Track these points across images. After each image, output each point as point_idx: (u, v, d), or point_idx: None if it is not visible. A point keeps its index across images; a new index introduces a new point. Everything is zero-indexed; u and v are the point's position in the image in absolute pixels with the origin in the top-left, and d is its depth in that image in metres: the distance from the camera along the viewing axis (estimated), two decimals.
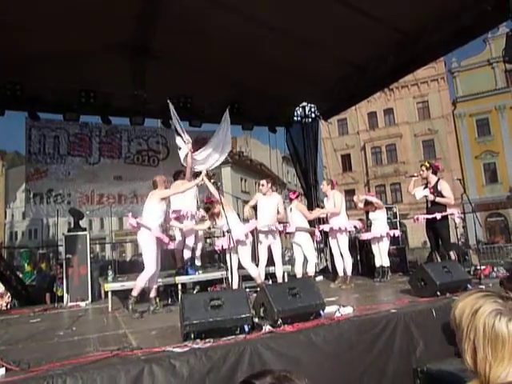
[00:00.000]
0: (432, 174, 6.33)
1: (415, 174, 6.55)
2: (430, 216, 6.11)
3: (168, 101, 6.39)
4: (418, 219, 6.47)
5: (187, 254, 6.30)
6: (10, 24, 5.84)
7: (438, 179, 6.31)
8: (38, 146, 8.69)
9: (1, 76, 7.24)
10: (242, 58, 7.59)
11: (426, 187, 6.36)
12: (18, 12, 5.70)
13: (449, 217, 6.10)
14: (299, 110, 10.50)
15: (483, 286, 4.82)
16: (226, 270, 5.79)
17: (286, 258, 12.82)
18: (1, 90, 7.50)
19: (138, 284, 4.94)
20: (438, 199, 6.08)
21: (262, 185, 6.23)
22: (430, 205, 6.24)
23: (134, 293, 4.91)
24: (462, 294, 1.25)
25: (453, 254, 5.99)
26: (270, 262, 6.28)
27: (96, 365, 2.79)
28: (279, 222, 6.26)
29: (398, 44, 7.10)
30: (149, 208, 5.13)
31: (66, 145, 8.94)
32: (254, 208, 6.66)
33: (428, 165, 6.43)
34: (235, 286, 5.36)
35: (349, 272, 6.46)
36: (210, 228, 6.48)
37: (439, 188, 6.18)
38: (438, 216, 5.97)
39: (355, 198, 7.24)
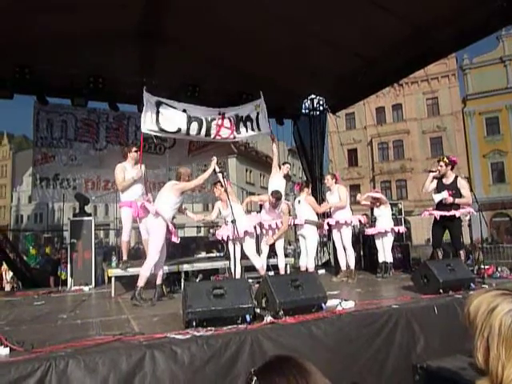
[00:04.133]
0: (450, 170, 6.06)
1: (433, 170, 6.18)
2: (448, 213, 5.86)
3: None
4: (431, 215, 6.14)
5: None
6: (19, 8, 5.81)
7: (456, 176, 6.07)
8: (46, 130, 8.71)
9: (10, 59, 7.23)
10: (251, 48, 7.53)
11: (442, 186, 6.04)
12: None
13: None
14: (307, 103, 10.42)
15: (486, 286, 4.79)
16: (229, 259, 5.83)
17: (289, 251, 12.87)
18: (10, 74, 7.50)
19: (142, 274, 4.87)
20: (458, 200, 5.84)
21: (270, 199, 6.06)
22: (444, 201, 5.96)
23: (140, 283, 4.82)
24: (478, 291, 1.22)
25: (462, 253, 5.87)
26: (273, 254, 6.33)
27: (98, 348, 2.82)
28: None
29: (409, 39, 6.97)
30: (166, 198, 5.07)
31: (74, 130, 8.95)
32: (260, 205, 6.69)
33: (447, 160, 6.08)
34: (238, 276, 5.40)
35: (352, 265, 6.47)
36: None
37: (458, 185, 5.95)
38: (458, 214, 5.79)
39: (358, 197, 7.19)
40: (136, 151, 5.90)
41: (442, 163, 6.06)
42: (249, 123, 6.61)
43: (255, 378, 0.87)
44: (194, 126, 6.11)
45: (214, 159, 5.57)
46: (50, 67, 7.43)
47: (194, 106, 6.35)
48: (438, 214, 6.00)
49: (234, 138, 6.64)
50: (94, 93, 8.29)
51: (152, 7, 6.63)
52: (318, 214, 6.57)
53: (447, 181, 6.05)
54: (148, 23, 7.13)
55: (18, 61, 7.42)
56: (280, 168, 6.69)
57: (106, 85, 8.20)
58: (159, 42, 7.58)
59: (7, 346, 2.81)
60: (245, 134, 6.64)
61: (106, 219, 31.78)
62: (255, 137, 7.03)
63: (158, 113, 5.83)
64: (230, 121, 6.45)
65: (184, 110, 6.07)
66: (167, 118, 5.90)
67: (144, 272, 4.90)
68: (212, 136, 6.34)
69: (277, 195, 5.97)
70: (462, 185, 5.98)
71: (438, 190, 6.08)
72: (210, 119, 6.26)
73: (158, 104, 5.88)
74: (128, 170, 5.79)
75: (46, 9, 5.92)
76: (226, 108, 6.58)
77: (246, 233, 5.45)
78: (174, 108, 6.02)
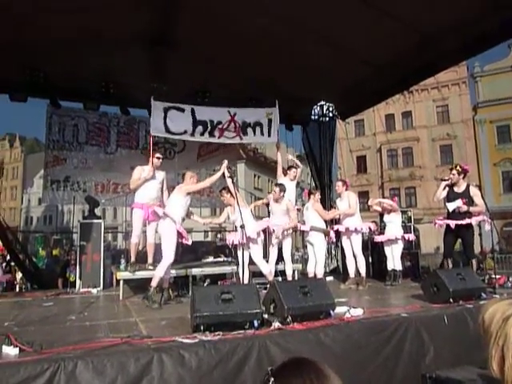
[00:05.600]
0: (462, 178, 6.05)
1: (446, 178, 6.17)
2: (464, 222, 5.78)
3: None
4: (445, 224, 6.04)
5: None
6: (33, 12, 5.90)
7: (468, 185, 6.03)
8: (58, 133, 8.81)
9: (25, 63, 7.35)
10: (261, 54, 7.55)
11: (454, 194, 6.00)
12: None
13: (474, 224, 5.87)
14: (317, 109, 10.43)
15: (498, 296, 4.73)
16: (237, 264, 5.82)
17: (296, 257, 12.82)
18: (24, 77, 7.62)
19: (156, 274, 4.94)
20: (472, 208, 5.80)
21: (274, 191, 6.12)
22: (457, 210, 5.92)
23: (153, 283, 4.90)
24: (493, 299, 1.21)
25: (474, 263, 5.80)
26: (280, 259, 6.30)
27: (106, 350, 2.83)
28: None
29: (418, 46, 6.96)
30: (175, 200, 5.19)
31: (85, 133, 9.04)
32: (267, 205, 6.68)
33: (460, 169, 6.06)
34: (246, 281, 5.39)
35: (363, 273, 6.42)
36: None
37: (471, 194, 5.91)
38: (474, 222, 5.75)
39: (370, 202, 7.15)
40: (158, 158, 5.96)
41: (454, 171, 6.04)
42: (258, 128, 6.71)
43: (272, 379, 0.86)
44: (199, 128, 6.52)
45: (225, 162, 5.60)
46: (63, 71, 7.54)
47: (202, 107, 6.73)
48: (453, 223, 5.89)
49: (241, 139, 6.78)
50: (105, 97, 8.41)
51: (164, 12, 6.70)
52: (325, 221, 6.53)
53: (459, 189, 6.01)
54: (160, 29, 7.20)
55: (32, 65, 7.53)
56: (285, 174, 6.69)
57: (117, 89, 8.30)
58: (170, 47, 7.64)
59: (17, 346, 2.83)
60: (252, 137, 6.82)
61: (115, 222, 31.97)
62: (262, 142, 7.26)
63: (165, 118, 6.26)
64: (236, 125, 6.57)
65: (192, 110, 6.44)
66: (174, 121, 6.35)
67: (158, 273, 4.96)
68: (216, 136, 6.53)
69: (280, 187, 6.00)
70: (475, 193, 5.94)
71: (450, 198, 6.03)
72: (215, 122, 6.54)
73: (166, 110, 6.31)
74: (146, 171, 5.88)
75: (58, 10, 5.99)
76: (236, 109, 6.67)
77: (248, 239, 5.43)
78: (182, 111, 6.42)
